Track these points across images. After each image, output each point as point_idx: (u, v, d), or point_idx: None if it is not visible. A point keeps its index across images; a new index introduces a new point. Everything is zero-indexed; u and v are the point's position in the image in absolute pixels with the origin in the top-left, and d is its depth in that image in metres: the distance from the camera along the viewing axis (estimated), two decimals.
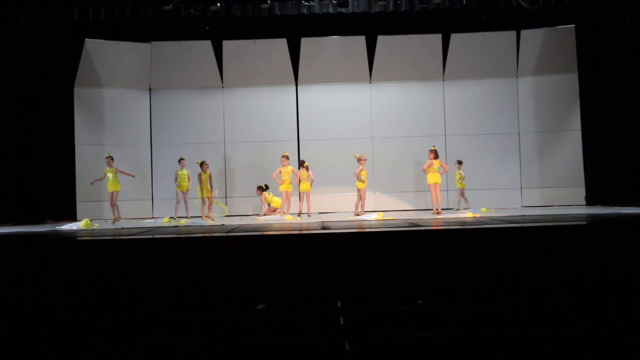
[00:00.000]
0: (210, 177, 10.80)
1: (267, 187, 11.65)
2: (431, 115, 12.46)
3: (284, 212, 10.84)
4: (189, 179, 11.00)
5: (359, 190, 10.66)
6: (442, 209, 10.79)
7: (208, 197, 10.71)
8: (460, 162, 11.59)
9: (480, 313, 3.56)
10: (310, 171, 11.03)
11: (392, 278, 5.03)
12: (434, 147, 10.88)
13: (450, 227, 7.07)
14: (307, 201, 11.03)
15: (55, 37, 11.09)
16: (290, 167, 11.00)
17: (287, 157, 11.00)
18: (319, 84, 12.49)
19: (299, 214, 11.04)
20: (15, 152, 10.54)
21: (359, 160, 10.67)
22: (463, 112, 12.43)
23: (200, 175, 10.66)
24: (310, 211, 11.06)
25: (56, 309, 4.19)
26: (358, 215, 10.59)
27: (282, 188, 10.89)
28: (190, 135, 12.33)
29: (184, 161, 11.04)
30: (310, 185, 11.05)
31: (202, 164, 10.69)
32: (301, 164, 11.17)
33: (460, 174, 11.44)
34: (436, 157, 10.75)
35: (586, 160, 11.57)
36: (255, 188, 11.84)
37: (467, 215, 9.79)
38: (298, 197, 11.60)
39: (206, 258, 6.26)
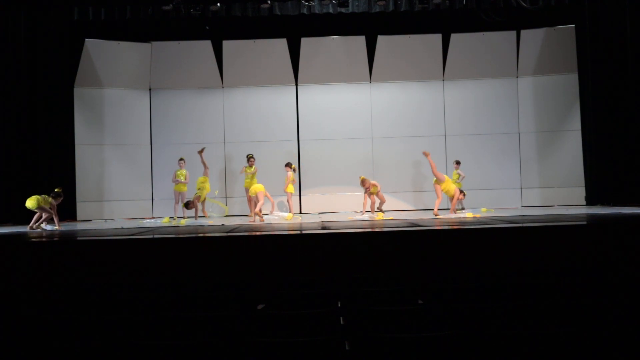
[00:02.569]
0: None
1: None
2: (431, 115, 12.46)
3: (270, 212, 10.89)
4: (186, 179, 11.09)
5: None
6: (439, 209, 10.74)
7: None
8: (458, 162, 11.60)
9: (480, 313, 3.56)
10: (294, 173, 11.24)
11: (392, 278, 5.03)
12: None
13: (450, 227, 7.07)
14: (290, 202, 11.15)
15: (55, 37, 11.08)
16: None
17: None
18: (319, 84, 12.49)
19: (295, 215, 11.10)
20: (15, 152, 10.54)
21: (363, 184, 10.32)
22: (463, 112, 12.43)
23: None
24: (294, 212, 11.19)
25: (56, 309, 4.19)
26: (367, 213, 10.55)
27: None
28: (190, 135, 12.33)
29: (182, 162, 11.12)
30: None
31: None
32: (289, 165, 11.19)
33: (458, 173, 11.44)
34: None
35: (586, 160, 11.57)
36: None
37: (467, 215, 9.78)
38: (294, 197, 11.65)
39: (206, 258, 6.25)
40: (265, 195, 10.17)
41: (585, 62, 11.34)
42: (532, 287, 4.38)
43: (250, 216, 11.06)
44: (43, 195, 9.31)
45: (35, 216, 9.34)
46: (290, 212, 11.17)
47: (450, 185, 10.02)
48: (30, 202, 9.18)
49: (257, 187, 10.16)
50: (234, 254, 6.31)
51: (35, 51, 10.80)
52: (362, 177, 10.41)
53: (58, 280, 5.93)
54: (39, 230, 9.21)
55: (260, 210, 9.84)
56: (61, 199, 9.52)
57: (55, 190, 9.50)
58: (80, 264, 6.21)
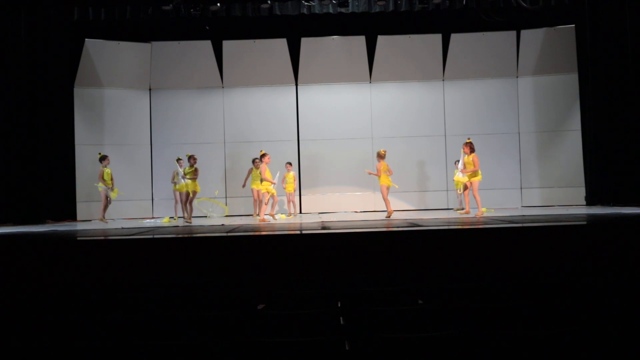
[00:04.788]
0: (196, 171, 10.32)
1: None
2: (431, 115, 12.47)
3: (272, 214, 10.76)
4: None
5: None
6: (441, 209, 10.78)
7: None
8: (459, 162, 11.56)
9: (480, 313, 3.56)
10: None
11: (392, 278, 5.03)
12: (468, 139, 9.83)
13: (450, 227, 7.07)
14: (293, 201, 11.16)
15: (55, 37, 11.09)
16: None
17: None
18: (319, 84, 12.49)
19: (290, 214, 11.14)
20: (15, 152, 10.53)
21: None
22: (463, 112, 12.44)
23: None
24: (297, 211, 11.19)
25: (56, 309, 4.19)
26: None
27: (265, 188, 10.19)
28: (190, 135, 12.34)
29: (181, 161, 11.10)
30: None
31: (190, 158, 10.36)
32: (291, 164, 11.26)
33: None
34: (473, 150, 9.65)
35: (586, 160, 11.57)
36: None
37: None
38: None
39: (206, 258, 6.25)
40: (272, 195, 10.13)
41: (585, 62, 11.34)
42: (532, 287, 4.37)
43: (254, 216, 11.04)
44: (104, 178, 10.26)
45: (102, 205, 10.28)
46: (289, 212, 11.19)
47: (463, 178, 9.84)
48: (100, 184, 10.23)
49: (262, 187, 10.12)
50: (234, 254, 6.30)
51: (35, 51, 10.79)
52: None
53: (58, 280, 5.93)
54: (104, 223, 9.87)
55: (263, 212, 9.90)
56: (107, 160, 10.31)
57: (98, 156, 10.39)
58: (80, 264, 6.21)
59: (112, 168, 11.96)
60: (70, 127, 11.67)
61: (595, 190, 11.10)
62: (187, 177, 10.21)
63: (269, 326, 3.54)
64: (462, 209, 11.17)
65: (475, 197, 9.79)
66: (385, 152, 9.98)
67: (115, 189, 10.32)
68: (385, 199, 9.86)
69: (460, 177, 9.95)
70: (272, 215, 10.23)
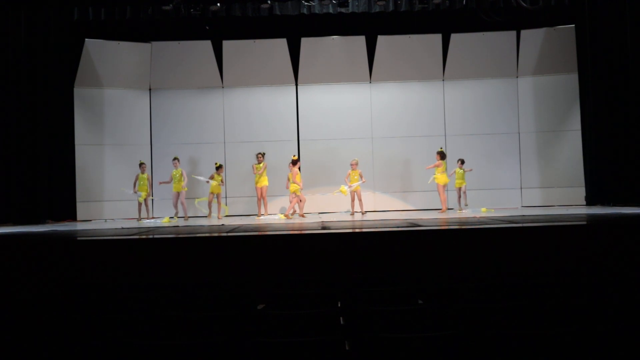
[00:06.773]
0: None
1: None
2: (431, 115, 12.46)
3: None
4: (182, 179, 11.10)
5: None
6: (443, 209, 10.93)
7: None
8: (462, 162, 11.51)
9: (480, 313, 3.56)
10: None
11: (392, 278, 5.03)
12: (440, 148, 11.36)
13: (450, 227, 7.07)
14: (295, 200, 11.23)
15: (55, 37, 11.07)
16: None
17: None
18: (319, 84, 12.48)
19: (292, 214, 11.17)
20: (15, 152, 10.53)
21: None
22: (463, 112, 12.43)
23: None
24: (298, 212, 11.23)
25: (56, 309, 4.19)
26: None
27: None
28: (191, 135, 12.33)
29: (176, 161, 11.14)
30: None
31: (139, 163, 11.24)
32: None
33: (463, 169, 11.34)
34: (443, 158, 11.11)
35: (586, 160, 11.56)
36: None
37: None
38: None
39: (206, 258, 6.26)
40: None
41: (585, 62, 11.33)
42: (532, 287, 4.38)
43: (259, 216, 11.06)
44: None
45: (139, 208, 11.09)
46: (293, 211, 11.14)
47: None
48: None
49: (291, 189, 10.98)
50: (234, 254, 6.31)
51: (35, 51, 10.79)
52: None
53: (58, 280, 5.93)
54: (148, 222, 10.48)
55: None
56: (144, 166, 11.18)
57: (139, 162, 11.14)
58: (80, 264, 6.21)
59: (112, 168, 12.04)
60: (70, 127, 11.65)
61: (595, 190, 11.10)
62: (216, 183, 11.13)
63: (269, 326, 3.55)
64: (462, 209, 11.19)
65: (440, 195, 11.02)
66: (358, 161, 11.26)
67: (143, 193, 11.04)
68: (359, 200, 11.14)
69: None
70: (302, 215, 10.82)
